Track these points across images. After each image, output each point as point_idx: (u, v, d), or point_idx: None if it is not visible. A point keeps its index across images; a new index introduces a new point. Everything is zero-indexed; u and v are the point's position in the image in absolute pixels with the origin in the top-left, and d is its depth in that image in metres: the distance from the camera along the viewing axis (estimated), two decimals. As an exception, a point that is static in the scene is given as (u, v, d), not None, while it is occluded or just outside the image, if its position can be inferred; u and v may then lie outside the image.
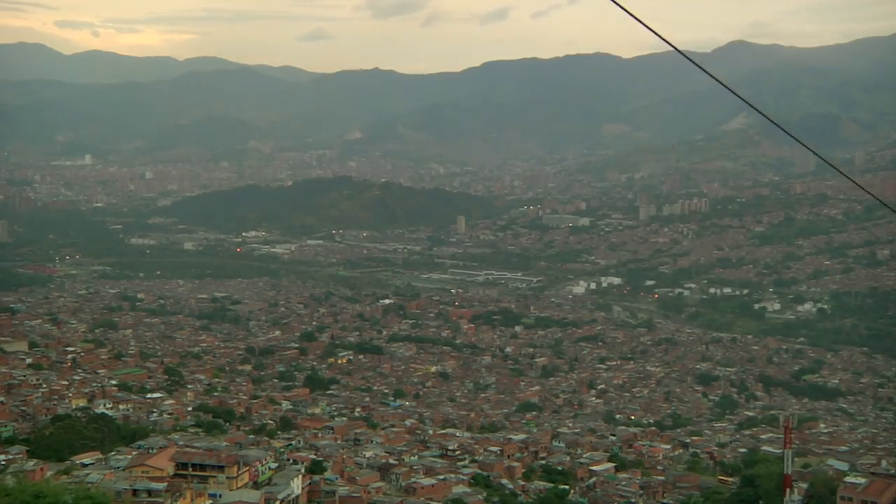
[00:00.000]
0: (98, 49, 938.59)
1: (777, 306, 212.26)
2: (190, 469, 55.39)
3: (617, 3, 7.36)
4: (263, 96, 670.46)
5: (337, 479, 65.30)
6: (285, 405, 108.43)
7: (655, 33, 8.18)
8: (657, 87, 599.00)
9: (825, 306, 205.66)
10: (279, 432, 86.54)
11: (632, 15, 7.77)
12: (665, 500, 72.23)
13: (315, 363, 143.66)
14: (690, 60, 9.19)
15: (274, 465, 61.72)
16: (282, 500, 53.04)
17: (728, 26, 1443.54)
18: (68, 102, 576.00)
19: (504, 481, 72.52)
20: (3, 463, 57.95)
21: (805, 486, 64.19)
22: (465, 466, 75.87)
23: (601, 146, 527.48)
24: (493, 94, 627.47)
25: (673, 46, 8.70)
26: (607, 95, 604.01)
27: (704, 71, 8.87)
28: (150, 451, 62.55)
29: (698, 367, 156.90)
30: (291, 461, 67.03)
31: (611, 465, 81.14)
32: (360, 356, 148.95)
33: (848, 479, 61.86)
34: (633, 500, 70.50)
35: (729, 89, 9.17)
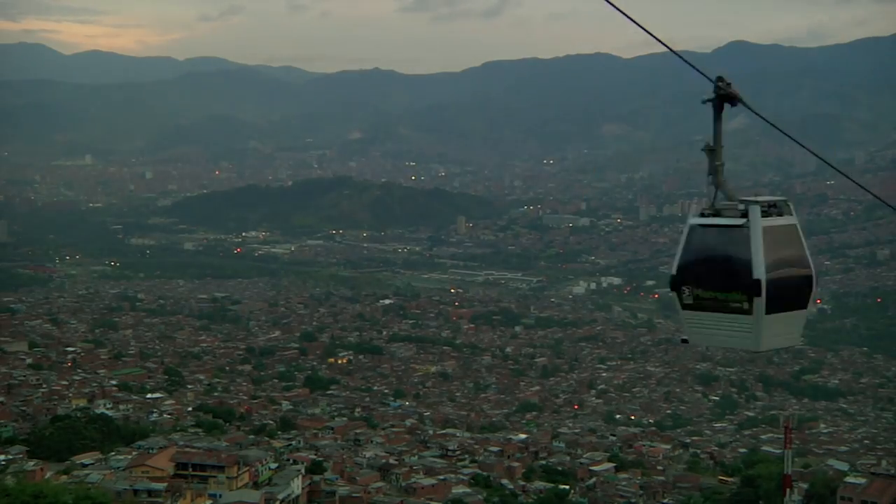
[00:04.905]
0: (98, 49, 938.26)
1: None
2: (190, 469, 55.52)
3: (614, 6, 7.33)
4: (263, 96, 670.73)
5: (337, 479, 65.32)
6: (285, 405, 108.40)
7: (652, 35, 8.16)
8: (657, 87, 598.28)
9: (825, 306, 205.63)
10: (279, 432, 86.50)
11: (629, 17, 7.75)
12: (665, 501, 72.19)
13: (315, 363, 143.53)
14: (687, 63, 9.32)
15: (274, 466, 61.81)
16: (282, 501, 53.12)
17: (728, 26, 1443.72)
18: (68, 102, 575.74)
19: (504, 481, 72.50)
20: (3, 463, 58.00)
21: (805, 486, 64.18)
22: (465, 466, 75.87)
23: (601, 146, 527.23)
24: (493, 94, 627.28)
25: (670, 49, 8.76)
26: (607, 95, 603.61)
27: (700, 72, 8.99)
28: (150, 451, 62.64)
29: (698, 367, 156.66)
30: (291, 461, 67.07)
31: (611, 465, 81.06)
32: (360, 356, 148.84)
33: (848, 479, 61.87)
34: (633, 501, 70.53)
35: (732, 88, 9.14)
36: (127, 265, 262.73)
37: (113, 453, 63.20)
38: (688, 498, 71.63)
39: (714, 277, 8.45)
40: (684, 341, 9.09)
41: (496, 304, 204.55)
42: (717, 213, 8.66)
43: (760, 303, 8.14)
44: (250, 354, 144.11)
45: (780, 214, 8.80)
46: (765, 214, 8.47)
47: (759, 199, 8.57)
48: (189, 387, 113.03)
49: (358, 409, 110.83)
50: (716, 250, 8.52)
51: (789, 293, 8.41)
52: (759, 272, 8.14)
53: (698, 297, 8.58)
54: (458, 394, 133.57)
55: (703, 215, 8.80)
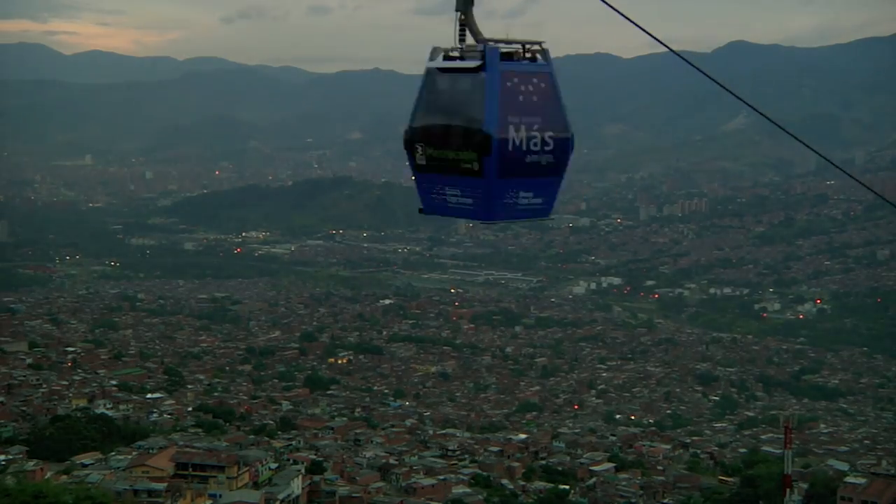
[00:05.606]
0: (98, 49, 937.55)
1: (777, 306, 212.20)
2: (190, 469, 55.52)
3: (611, 6, 7.29)
4: (263, 96, 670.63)
5: (337, 479, 65.32)
6: (285, 405, 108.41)
7: (650, 34, 8.15)
8: (657, 87, 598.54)
9: (825, 306, 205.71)
10: (279, 432, 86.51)
11: (627, 18, 7.71)
12: (665, 501, 72.17)
13: (315, 363, 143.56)
14: (687, 62, 9.11)
15: (274, 466, 61.82)
16: (282, 501, 53.13)
17: (728, 26, 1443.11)
18: (68, 102, 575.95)
19: (504, 481, 72.48)
20: (3, 463, 57.94)
21: (805, 486, 64.17)
22: (465, 466, 75.86)
23: (601, 146, 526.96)
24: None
25: (669, 48, 8.68)
26: (607, 95, 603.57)
27: (702, 72, 8.78)
28: (150, 451, 62.64)
29: (698, 367, 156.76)
30: (291, 461, 67.05)
31: (611, 465, 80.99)
32: (360, 356, 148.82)
33: (848, 479, 61.86)
34: (633, 501, 70.51)
35: (726, 89, 9.11)
36: (127, 265, 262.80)
37: (113, 453, 63.16)
38: (688, 498, 71.62)
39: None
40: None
41: (496, 304, 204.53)
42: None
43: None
44: (250, 354, 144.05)
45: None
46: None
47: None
48: (189, 387, 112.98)
49: (358, 409, 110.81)
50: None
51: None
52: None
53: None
54: (458, 394, 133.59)
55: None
